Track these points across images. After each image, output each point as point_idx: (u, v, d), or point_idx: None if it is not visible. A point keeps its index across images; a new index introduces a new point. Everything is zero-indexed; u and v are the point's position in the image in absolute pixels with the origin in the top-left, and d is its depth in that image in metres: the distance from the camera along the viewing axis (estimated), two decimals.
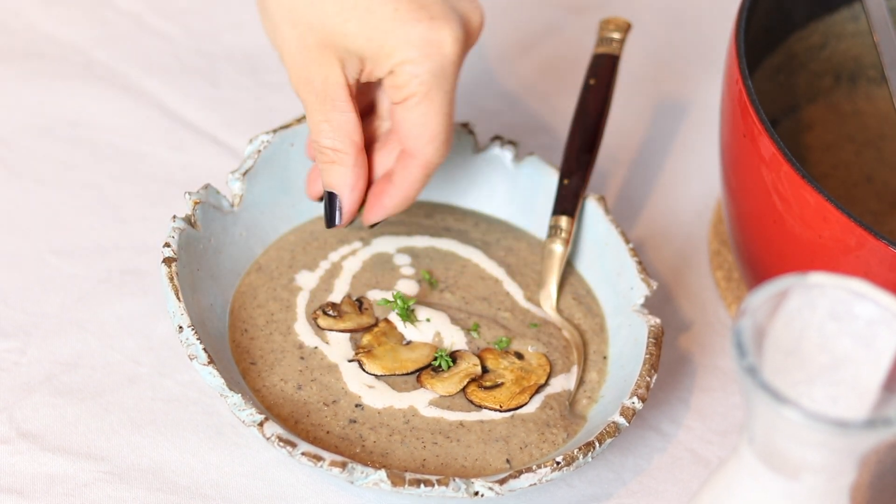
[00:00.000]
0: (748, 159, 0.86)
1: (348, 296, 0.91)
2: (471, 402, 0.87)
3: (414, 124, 0.81)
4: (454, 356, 0.88)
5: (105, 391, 0.89)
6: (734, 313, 0.95)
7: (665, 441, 0.91)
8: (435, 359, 0.88)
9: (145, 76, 1.07)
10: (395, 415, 0.86)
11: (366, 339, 0.89)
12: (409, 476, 0.80)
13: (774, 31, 0.99)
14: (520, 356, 0.89)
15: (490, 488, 0.80)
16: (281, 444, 0.80)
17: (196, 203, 0.89)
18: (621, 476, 0.89)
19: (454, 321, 0.90)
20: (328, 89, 0.81)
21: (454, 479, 0.80)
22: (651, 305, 0.96)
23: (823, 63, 1.03)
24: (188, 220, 0.88)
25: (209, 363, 0.82)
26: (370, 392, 0.87)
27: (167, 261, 0.85)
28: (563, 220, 0.93)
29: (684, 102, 1.11)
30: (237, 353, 0.88)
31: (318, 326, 0.89)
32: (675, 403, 0.93)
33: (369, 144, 0.87)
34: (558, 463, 0.82)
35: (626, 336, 0.90)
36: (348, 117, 0.82)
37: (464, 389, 0.87)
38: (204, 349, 0.83)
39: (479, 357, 0.89)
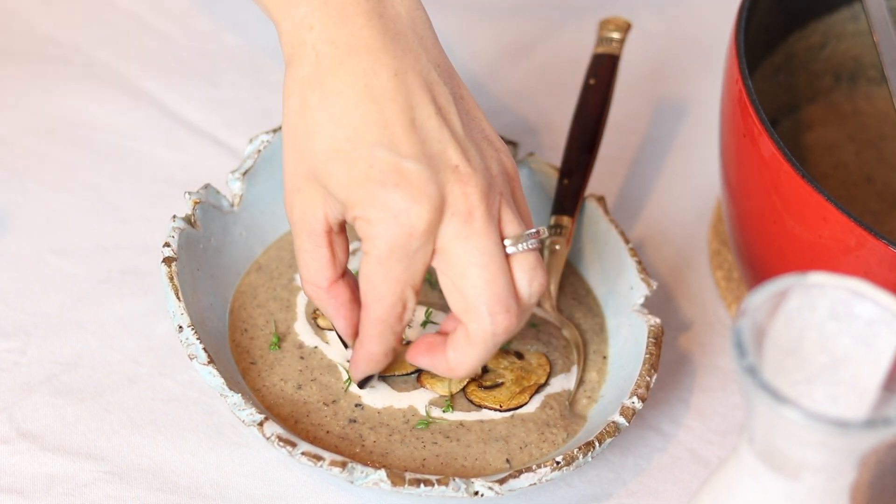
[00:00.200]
0: (748, 159, 0.86)
1: None
2: (471, 401, 0.87)
3: (364, 280, 0.78)
4: None
5: (105, 391, 0.89)
6: (734, 313, 0.95)
7: (665, 441, 0.91)
8: None
9: (145, 76, 1.07)
10: (395, 415, 0.86)
11: None
12: (408, 476, 0.80)
13: (774, 31, 0.99)
14: (520, 356, 0.89)
15: (490, 488, 0.80)
16: (281, 443, 0.80)
17: (196, 203, 0.89)
18: (621, 476, 0.89)
19: None
20: (305, 220, 0.79)
21: (454, 479, 0.80)
22: (651, 305, 0.96)
23: (823, 63, 1.03)
24: (188, 220, 0.88)
25: (209, 363, 0.82)
26: (370, 392, 0.87)
27: (167, 260, 0.85)
28: (563, 220, 0.93)
29: (684, 102, 1.11)
30: (237, 352, 0.88)
31: (318, 326, 0.89)
32: (675, 403, 0.93)
33: None
34: (558, 463, 0.82)
35: (626, 336, 0.90)
36: (320, 253, 0.80)
37: (464, 389, 0.87)
38: (204, 349, 0.83)
39: None
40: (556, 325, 0.91)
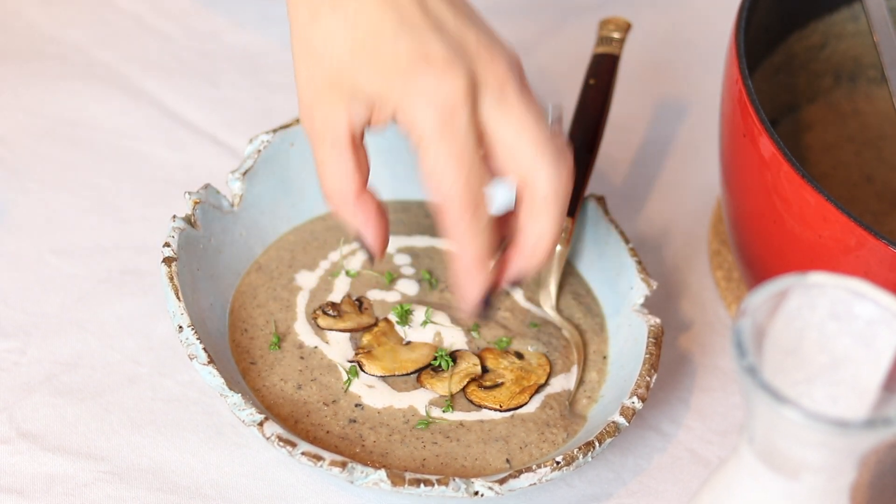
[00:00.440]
0: (748, 159, 0.86)
1: (348, 296, 0.91)
2: (471, 401, 0.87)
3: (429, 172, 0.78)
4: (454, 356, 0.88)
5: (105, 391, 0.89)
6: (734, 313, 0.95)
7: (665, 441, 0.91)
8: (435, 358, 0.88)
9: (145, 76, 1.07)
10: (395, 415, 0.86)
11: (366, 338, 0.89)
12: (408, 476, 0.80)
13: (774, 31, 0.99)
14: (520, 356, 0.89)
15: (490, 488, 0.80)
16: (281, 443, 0.80)
17: (196, 203, 0.89)
18: (621, 476, 0.89)
19: (454, 321, 0.90)
20: (328, 129, 0.79)
21: (454, 479, 0.80)
22: (651, 305, 0.96)
23: (823, 63, 1.03)
24: (188, 220, 0.88)
25: (209, 363, 0.82)
26: (370, 392, 0.87)
27: (167, 260, 0.85)
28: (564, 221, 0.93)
29: (684, 102, 1.11)
30: (237, 352, 0.88)
31: (318, 326, 0.89)
32: (675, 403, 0.93)
33: None
34: (558, 463, 0.82)
35: (626, 336, 0.90)
36: (345, 160, 0.80)
37: (464, 389, 0.87)
38: (204, 349, 0.83)
39: (479, 357, 0.89)
40: (556, 326, 0.91)
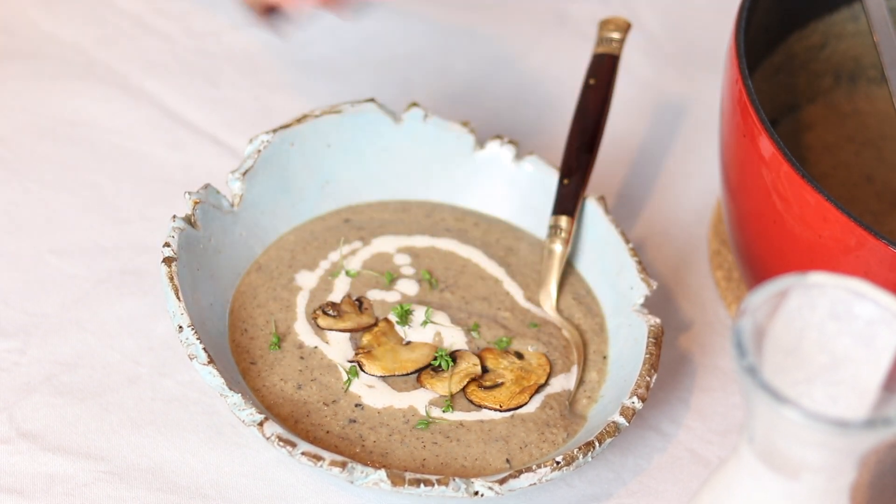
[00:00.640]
0: (748, 159, 0.86)
1: (348, 295, 0.91)
2: (471, 401, 0.87)
3: None
4: (454, 356, 0.88)
5: (105, 391, 0.89)
6: (734, 313, 0.95)
7: (665, 441, 0.91)
8: (435, 359, 0.88)
9: (145, 76, 1.07)
10: (395, 415, 0.86)
11: (366, 338, 0.89)
12: (408, 476, 0.80)
13: (774, 31, 0.99)
14: (520, 356, 0.89)
15: (490, 488, 0.80)
16: (281, 443, 0.80)
17: (196, 203, 0.89)
18: (621, 476, 0.89)
19: (454, 321, 0.90)
20: None
21: (454, 479, 0.80)
22: (651, 305, 0.96)
23: (823, 63, 1.03)
24: (188, 220, 0.88)
25: (209, 363, 0.82)
26: (370, 392, 0.87)
27: (167, 260, 0.85)
28: (563, 220, 0.93)
29: (684, 102, 1.11)
30: (237, 353, 0.88)
31: (318, 326, 0.89)
32: (675, 403, 0.93)
33: None
34: (558, 463, 0.82)
35: (626, 336, 0.90)
36: None
37: (464, 389, 0.87)
38: (204, 349, 0.83)
39: (479, 357, 0.89)
40: (556, 326, 0.91)
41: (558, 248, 0.93)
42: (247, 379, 0.86)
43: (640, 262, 0.91)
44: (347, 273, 0.92)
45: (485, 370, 0.88)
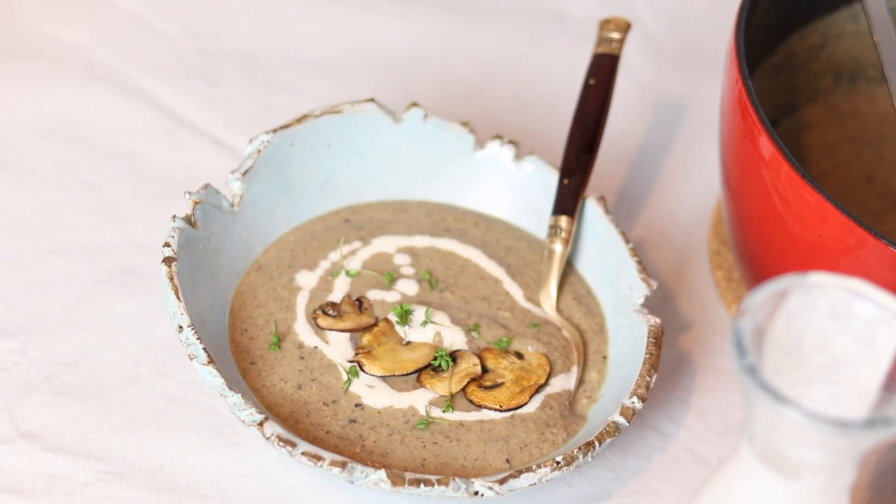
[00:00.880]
0: (748, 159, 0.86)
1: (348, 296, 0.91)
2: (471, 401, 0.87)
3: None
4: (454, 356, 0.88)
5: (105, 391, 0.89)
6: (734, 313, 0.95)
7: (665, 441, 0.91)
8: (435, 359, 0.88)
9: (145, 76, 1.07)
10: (395, 415, 0.86)
11: (366, 338, 0.89)
12: (408, 476, 0.80)
13: (774, 31, 0.99)
14: (520, 356, 0.89)
15: (490, 488, 0.80)
16: (281, 443, 0.80)
17: (196, 203, 0.89)
18: (621, 476, 0.89)
19: (454, 321, 0.90)
20: None
21: (454, 479, 0.80)
22: (651, 305, 0.96)
23: (823, 63, 1.03)
24: (188, 220, 0.88)
25: (209, 363, 0.82)
26: (370, 392, 0.87)
27: (167, 260, 0.85)
28: (563, 220, 0.93)
29: (684, 102, 1.11)
30: (237, 352, 0.88)
31: (318, 326, 0.89)
32: (675, 403, 0.93)
33: None
34: (558, 463, 0.82)
35: (626, 336, 0.90)
36: None
37: (464, 389, 0.87)
38: (204, 349, 0.83)
39: (479, 357, 0.89)
40: (556, 326, 0.91)
41: (558, 248, 0.93)
42: (247, 379, 0.86)
43: (639, 262, 0.91)
44: (347, 273, 0.92)
45: (485, 370, 0.88)
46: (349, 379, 0.87)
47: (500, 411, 0.87)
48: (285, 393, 0.86)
